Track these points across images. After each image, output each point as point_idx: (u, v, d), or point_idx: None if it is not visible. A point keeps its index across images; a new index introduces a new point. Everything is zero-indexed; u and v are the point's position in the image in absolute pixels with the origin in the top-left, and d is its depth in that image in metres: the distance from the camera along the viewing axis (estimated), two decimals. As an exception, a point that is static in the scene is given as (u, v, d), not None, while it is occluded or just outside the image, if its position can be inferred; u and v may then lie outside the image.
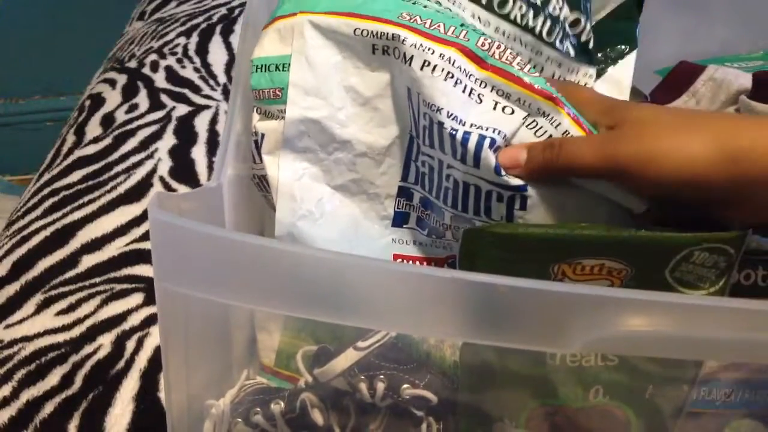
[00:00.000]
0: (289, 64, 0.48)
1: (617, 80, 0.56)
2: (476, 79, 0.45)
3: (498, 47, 0.45)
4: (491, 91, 0.45)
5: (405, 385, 0.43)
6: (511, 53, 0.45)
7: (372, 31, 0.46)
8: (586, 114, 0.45)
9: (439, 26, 0.46)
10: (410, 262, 0.51)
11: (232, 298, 0.38)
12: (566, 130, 0.44)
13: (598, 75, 0.56)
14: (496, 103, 0.45)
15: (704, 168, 0.38)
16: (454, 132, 0.44)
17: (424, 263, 0.51)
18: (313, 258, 0.35)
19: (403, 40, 0.45)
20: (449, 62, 0.45)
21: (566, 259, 0.41)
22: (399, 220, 0.51)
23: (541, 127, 0.45)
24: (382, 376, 0.43)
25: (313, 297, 0.36)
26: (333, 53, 0.48)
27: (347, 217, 0.50)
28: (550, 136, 0.45)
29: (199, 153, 0.89)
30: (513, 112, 0.45)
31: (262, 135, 0.50)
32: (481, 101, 0.45)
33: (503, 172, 0.44)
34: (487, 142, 0.43)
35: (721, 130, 0.38)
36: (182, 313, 0.40)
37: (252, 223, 0.54)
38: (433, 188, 0.48)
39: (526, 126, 0.45)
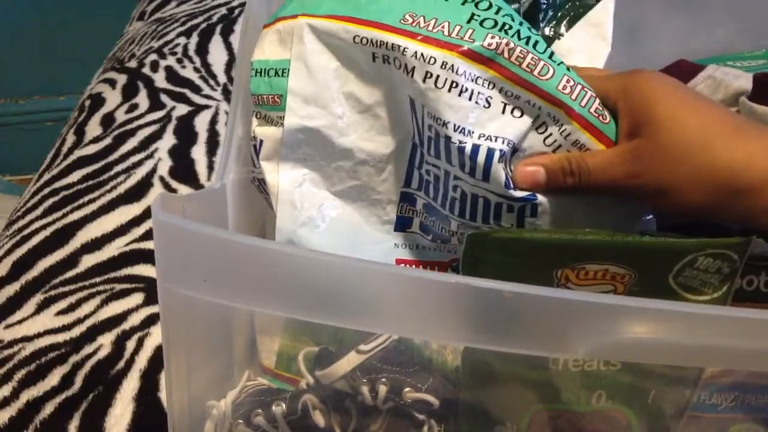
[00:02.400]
0: (289, 70, 0.47)
1: (596, 23, 0.56)
2: (483, 80, 0.44)
3: (507, 45, 0.43)
4: (499, 92, 0.44)
5: (407, 389, 0.43)
6: (521, 51, 0.43)
7: (371, 40, 0.45)
8: (605, 95, 0.44)
9: (443, 27, 0.44)
10: (412, 266, 0.51)
11: (235, 300, 0.38)
12: (576, 140, 0.44)
13: (576, 19, 0.56)
14: (505, 105, 0.44)
15: (716, 201, 0.39)
16: (462, 145, 0.43)
17: (427, 267, 0.51)
18: (316, 261, 0.35)
19: (404, 50, 0.44)
20: (452, 71, 0.43)
21: (570, 264, 0.41)
22: (401, 224, 0.51)
23: (550, 134, 0.44)
24: (384, 380, 0.43)
25: (316, 300, 0.35)
26: (331, 59, 0.47)
27: (348, 223, 0.50)
28: (560, 146, 0.44)
29: (199, 153, 0.89)
30: (522, 115, 0.44)
31: (261, 141, 0.49)
32: (489, 105, 0.44)
33: (512, 186, 0.43)
34: (496, 155, 0.43)
35: (736, 159, 0.38)
36: (184, 314, 0.40)
37: (254, 224, 0.54)
38: (438, 197, 0.48)
39: (536, 130, 0.44)
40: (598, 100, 0.44)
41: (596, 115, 0.44)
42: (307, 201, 0.49)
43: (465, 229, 0.47)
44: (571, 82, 0.44)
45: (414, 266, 0.51)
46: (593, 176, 0.42)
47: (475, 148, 0.43)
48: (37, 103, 1.93)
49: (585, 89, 0.44)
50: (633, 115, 0.42)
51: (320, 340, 0.50)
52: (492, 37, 0.43)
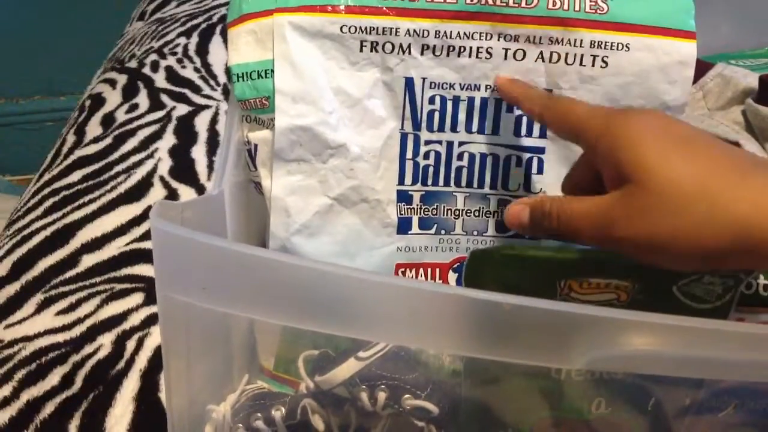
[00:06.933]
0: (272, 70, 0.46)
1: None
2: (479, 34, 0.45)
3: None
4: (498, 39, 0.45)
5: (406, 396, 0.43)
6: None
7: (360, 27, 0.45)
8: (584, 132, 0.39)
9: None
10: (413, 269, 0.51)
11: (234, 308, 0.38)
12: (592, 41, 0.44)
13: None
14: (507, 51, 0.45)
15: (716, 256, 0.34)
16: (472, 100, 0.44)
17: (428, 270, 0.51)
18: (315, 271, 0.35)
19: (396, 30, 0.44)
20: (447, 36, 0.44)
21: (574, 276, 0.41)
22: (404, 226, 0.50)
23: (565, 55, 0.45)
24: (383, 386, 0.43)
25: (315, 309, 0.35)
26: (317, 54, 0.46)
27: (346, 228, 0.49)
28: (582, 57, 0.44)
29: (199, 153, 0.89)
30: (524, 56, 0.45)
31: (255, 145, 0.48)
32: (490, 55, 0.45)
33: (523, 132, 0.44)
34: (504, 105, 0.44)
35: (739, 217, 0.33)
36: (183, 320, 0.40)
37: (253, 230, 0.54)
38: (439, 178, 0.48)
39: (550, 62, 0.45)
40: None
41: (592, 11, 0.44)
42: (301, 208, 0.48)
43: (472, 204, 0.48)
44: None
45: (415, 270, 0.51)
46: (575, 221, 0.37)
47: (484, 101, 0.44)
48: (37, 103, 1.93)
49: None
50: (616, 157, 0.36)
51: (320, 344, 0.50)
52: None
